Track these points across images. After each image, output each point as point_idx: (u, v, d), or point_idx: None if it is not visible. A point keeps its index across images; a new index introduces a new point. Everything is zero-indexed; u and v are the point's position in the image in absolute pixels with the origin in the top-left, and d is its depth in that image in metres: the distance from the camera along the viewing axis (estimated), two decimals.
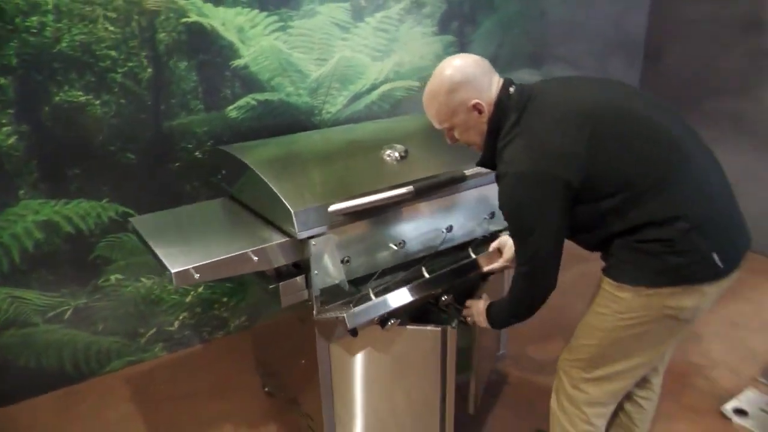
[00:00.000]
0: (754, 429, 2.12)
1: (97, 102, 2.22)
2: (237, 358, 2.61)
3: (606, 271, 1.42)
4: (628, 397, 1.68)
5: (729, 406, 2.24)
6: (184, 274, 1.46)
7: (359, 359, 1.79)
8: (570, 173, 1.28)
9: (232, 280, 2.72)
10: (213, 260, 1.50)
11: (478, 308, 1.67)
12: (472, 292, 1.94)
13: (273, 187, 1.64)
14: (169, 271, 1.45)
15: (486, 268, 1.87)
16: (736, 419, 2.17)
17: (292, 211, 1.57)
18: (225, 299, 2.74)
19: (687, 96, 3.64)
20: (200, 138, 2.46)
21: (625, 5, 3.76)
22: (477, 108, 1.42)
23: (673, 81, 3.79)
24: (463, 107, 1.43)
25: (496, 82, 1.44)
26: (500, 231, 2.12)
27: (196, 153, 2.47)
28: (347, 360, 1.79)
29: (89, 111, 2.21)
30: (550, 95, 1.39)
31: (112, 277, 2.43)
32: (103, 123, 2.25)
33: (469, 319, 1.74)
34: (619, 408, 1.69)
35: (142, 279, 2.50)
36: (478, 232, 2.04)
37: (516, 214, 1.36)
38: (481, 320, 1.66)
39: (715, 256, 1.29)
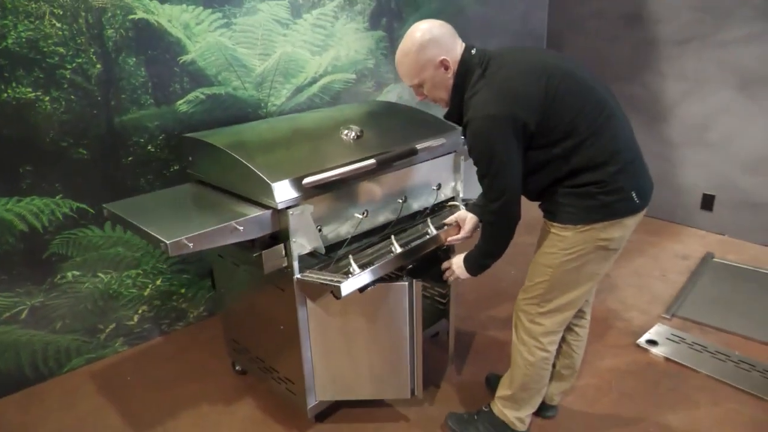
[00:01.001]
0: (664, 354, 2.52)
1: (47, 98, 2.22)
2: (201, 346, 2.68)
3: (550, 217, 1.70)
4: (568, 328, 1.98)
5: (643, 340, 2.64)
6: (178, 244, 1.57)
7: (336, 317, 1.96)
8: (528, 116, 1.52)
9: (190, 272, 2.78)
10: (203, 231, 1.62)
11: (457, 262, 1.89)
12: (428, 266, 2.17)
13: (249, 165, 1.78)
14: (164, 242, 1.55)
15: (450, 239, 2.08)
16: (650, 348, 2.57)
17: (271, 184, 1.72)
18: (183, 290, 2.80)
19: None
20: (152, 132, 2.51)
21: (529, 2, 4.20)
22: (444, 64, 1.63)
23: None
24: (431, 64, 1.63)
25: (459, 44, 1.66)
26: (446, 201, 2.39)
27: (149, 147, 2.52)
28: (325, 319, 1.95)
29: (39, 107, 2.21)
30: (507, 56, 1.63)
31: (69, 274, 2.42)
32: (53, 119, 2.25)
33: (451, 278, 1.94)
34: (561, 339, 1.98)
35: (100, 274, 2.51)
36: (429, 202, 2.28)
37: (486, 152, 1.56)
38: (462, 271, 1.87)
39: (634, 194, 1.61)
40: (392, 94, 3.46)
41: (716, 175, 3.70)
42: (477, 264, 1.81)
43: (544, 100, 1.54)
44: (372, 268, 1.85)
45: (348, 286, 1.76)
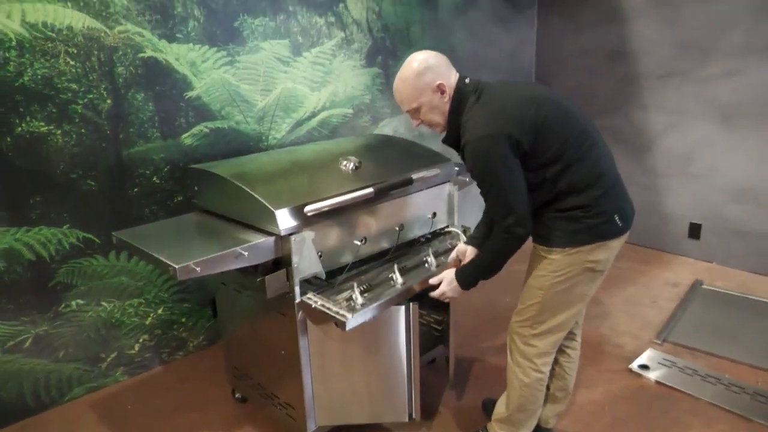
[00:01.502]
0: (656, 378, 2.57)
1: (59, 132, 2.32)
2: (201, 375, 2.71)
3: (539, 241, 1.79)
4: (560, 350, 2.04)
5: (635, 364, 2.69)
6: (186, 268, 1.64)
7: (334, 341, 2.01)
8: (521, 135, 1.61)
9: (191, 301, 2.84)
10: (210, 256, 1.70)
11: (447, 277, 1.91)
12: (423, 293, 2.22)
13: (253, 193, 1.87)
14: (173, 266, 1.63)
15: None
16: (642, 373, 2.62)
17: (274, 211, 1.81)
18: (184, 319, 2.84)
19: None
20: (157, 164, 2.61)
21: (518, 41, 4.39)
22: (440, 88, 1.73)
23: None
24: (429, 88, 1.73)
25: (453, 73, 1.77)
26: (442, 229, 2.47)
27: (154, 178, 2.61)
28: (324, 343, 2.01)
29: (51, 140, 2.31)
30: (500, 88, 1.74)
31: (74, 303, 2.47)
32: (64, 152, 2.34)
33: (443, 297, 1.95)
34: (554, 361, 2.04)
35: (103, 303, 2.56)
36: (425, 230, 2.37)
37: (487, 170, 1.64)
38: (452, 287, 1.88)
39: (616, 217, 1.70)
40: (388, 127, 3.59)
41: (702, 205, 3.82)
42: (472, 276, 1.85)
43: (535, 125, 1.63)
44: (377, 304, 1.87)
45: (353, 321, 1.80)
